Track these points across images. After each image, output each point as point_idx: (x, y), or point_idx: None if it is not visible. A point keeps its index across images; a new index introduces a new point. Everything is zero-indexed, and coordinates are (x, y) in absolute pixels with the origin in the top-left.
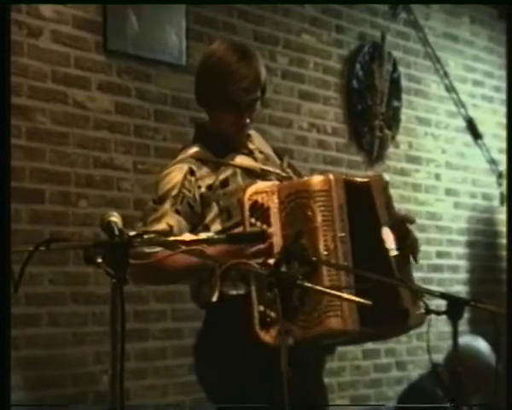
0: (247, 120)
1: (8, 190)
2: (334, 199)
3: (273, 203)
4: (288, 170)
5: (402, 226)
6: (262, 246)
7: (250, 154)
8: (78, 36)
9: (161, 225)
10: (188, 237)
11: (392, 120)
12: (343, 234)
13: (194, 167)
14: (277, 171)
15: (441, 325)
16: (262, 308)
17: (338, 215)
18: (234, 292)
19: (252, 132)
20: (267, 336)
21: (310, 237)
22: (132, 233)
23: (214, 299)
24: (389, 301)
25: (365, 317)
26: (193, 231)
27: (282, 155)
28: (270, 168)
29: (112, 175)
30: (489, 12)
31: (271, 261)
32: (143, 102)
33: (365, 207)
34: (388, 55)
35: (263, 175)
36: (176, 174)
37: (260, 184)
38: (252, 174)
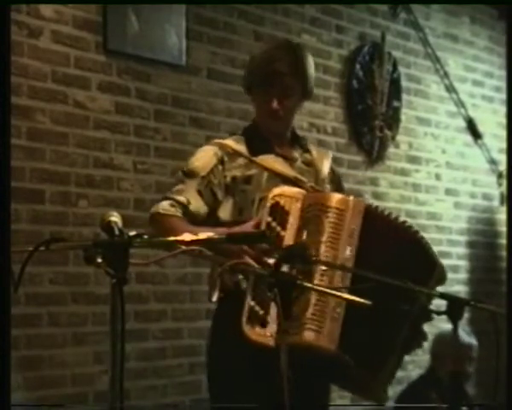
0: (275, 105)
1: (9, 190)
2: (347, 221)
3: (294, 210)
4: (328, 186)
5: None
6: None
7: (289, 159)
8: (78, 36)
9: (180, 197)
10: (188, 237)
11: (392, 120)
12: (346, 257)
13: (226, 158)
14: (310, 184)
15: (441, 325)
16: (253, 304)
17: (345, 238)
18: (241, 288)
19: (316, 149)
20: (250, 332)
21: (314, 248)
22: (132, 233)
23: (214, 299)
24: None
25: (348, 346)
26: (210, 217)
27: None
28: (303, 178)
29: (112, 175)
30: (489, 12)
31: (271, 261)
32: (143, 102)
33: (379, 233)
34: (388, 55)
35: (294, 183)
36: (209, 156)
37: (287, 188)
38: (281, 178)
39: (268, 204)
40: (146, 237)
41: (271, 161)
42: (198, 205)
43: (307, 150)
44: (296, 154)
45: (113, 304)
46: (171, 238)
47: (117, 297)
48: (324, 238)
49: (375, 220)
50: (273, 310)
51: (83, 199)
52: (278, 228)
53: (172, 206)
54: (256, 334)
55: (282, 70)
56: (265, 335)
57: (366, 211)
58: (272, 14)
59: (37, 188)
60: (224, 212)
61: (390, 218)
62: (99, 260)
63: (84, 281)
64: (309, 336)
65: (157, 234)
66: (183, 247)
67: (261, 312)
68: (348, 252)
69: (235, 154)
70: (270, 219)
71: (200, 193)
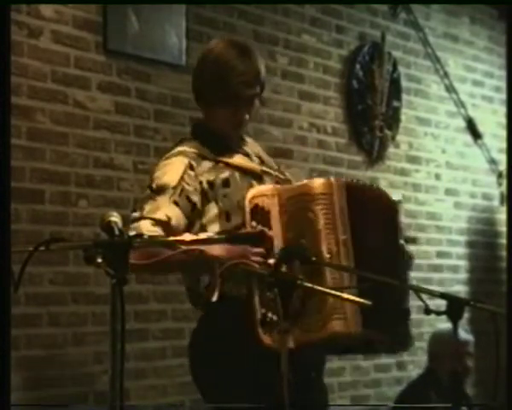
0: (246, 116)
1: (9, 190)
2: (336, 202)
3: (274, 206)
4: (287, 173)
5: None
6: (262, 249)
7: (247, 156)
8: (78, 36)
9: (159, 215)
10: (188, 237)
11: (392, 120)
12: (345, 237)
13: (193, 163)
14: (276, 173)
15: (441, 324)
16: (264, 311)
17: (340, 218)
18: (235, 293)
19: (247, 139)
20: (269, 339)
21: (312, 239)
22: (132, 233)
23: (214, 299)
24: (392, 301)
25: (368, 319)
26: (190, 227)
27: (278, 163)
28: (269, 170)
29: (112, 175)
30: (489, 12)
31: (271, 261)
32: (143, 102)
33: (366, 206)
34: (388, 55)
35: (261, 177)
36: (176, 166)
37: (261, 188)
38: (249, 176)
39: (248, 209)
40: (146, 237)
41: (238, 159)
42: (178, 219)
43: (247, 142)
44: (246, 148)
45: (113, 304)
46: (171, 238)
47: (117, 297)
48: (321, 226)
49: (356, 194)
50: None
51: (83, 199)
52: (265, 229)
53: (154, 226)
54: (275, 340)
55: (249, 82)
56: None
57: (347, 187)
58: (272, 14)
59: (37, 188)
60: (211, 220)
61: (368, 187)
62: (99, 260)
63: (84, 281)
64: (336, 325)
65: (146, 259)
66: (183, 247)
67: (274, 317)
68: (344, 235)
69: (200, 157)
70: (254, 223)
71: (176, 203)
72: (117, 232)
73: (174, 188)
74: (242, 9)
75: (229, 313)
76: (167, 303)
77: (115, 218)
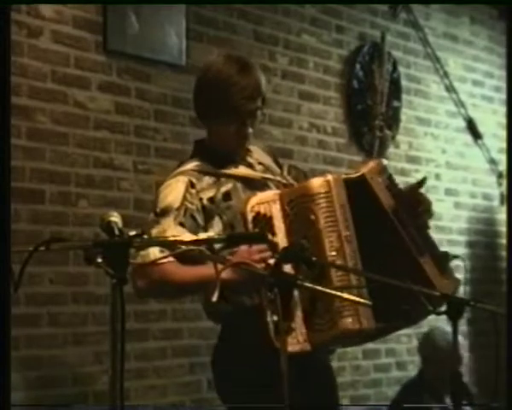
0: (250, 130)
1: (8, 190)
2: (335, 199)
3: (276, 212)
4: (289, 177)
5: (414, 195)
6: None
7: (249, 166)
8: (78, 36)
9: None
10: (187, 237)
11: (392, 120)
12: (348, 233)
13: (193, 180)
14: (278, 178)
15: (441, 324)
16: (276, 318)
17: (341, 215)
18: (249, 303)
19: (250, 147)
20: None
21: (315, 240)
22: (132, 233)
23: (214, 299)
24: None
25: (379, 312)
26: None
27: (282, 163)
28: (270, 176)
29: (112, 175)
30: (489, 12)
31: (271, 262)
32: (143, 102)
33: (367, 198)
34: (388, 55)
35: (264, 185)
36: (177, 186)
37: (261, 195)
38: (253, 186)
39: (249, 217)
40: (146, 236)
41: (240, 170)
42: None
43: (250, 150)
44: (249, 158)
45: (113, 304)
46: (171, 238)
47: (117, 297)
48: (321, 226)
49: (355, 188)
50: (295, 315)
51: (83, 199)
52: (269, 236)
53: (162, 252)
54: (290, 345)
55: (251, 96)
56: (299, 342)
57: (346, 182)
58: (272, 14)
59: (37, 188)
60: (216, 233)
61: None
62: (99, 260)
63: (84, 281)
64: (347, 323)
65: (154, 286)
66: (183, 247)
67: (285, 322)
68: (347, 231)
69: (201, 173)
70: (257, 230)
71: (181, 225)
72: (117, 232)
73: (178, 209)
74: (242, 9)
75: (246, 324)
76: (167, 303)
77: (115, 218)
